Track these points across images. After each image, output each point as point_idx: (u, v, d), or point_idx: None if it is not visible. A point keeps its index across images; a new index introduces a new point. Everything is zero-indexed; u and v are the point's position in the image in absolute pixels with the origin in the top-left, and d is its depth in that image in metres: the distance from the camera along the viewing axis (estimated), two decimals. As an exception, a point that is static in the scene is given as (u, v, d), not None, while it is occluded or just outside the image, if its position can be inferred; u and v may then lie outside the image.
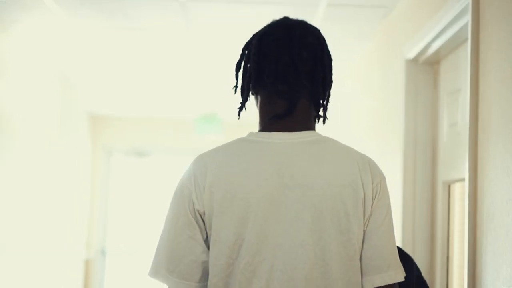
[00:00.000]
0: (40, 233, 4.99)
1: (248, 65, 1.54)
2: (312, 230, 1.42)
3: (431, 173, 2.96)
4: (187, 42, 4.15)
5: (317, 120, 1.55)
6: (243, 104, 1.56)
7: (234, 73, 1.56)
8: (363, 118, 4.12)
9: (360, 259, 1.46)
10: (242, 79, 1.56)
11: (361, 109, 4.19)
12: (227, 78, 4.97)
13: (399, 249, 1.60)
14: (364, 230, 1.46)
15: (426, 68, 2.98)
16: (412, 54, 2.94)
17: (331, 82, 1.55)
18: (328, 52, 1.55)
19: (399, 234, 2.82)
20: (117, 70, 5.09)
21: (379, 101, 3.67)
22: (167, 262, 1.46)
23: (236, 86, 1.58)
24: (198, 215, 1.44)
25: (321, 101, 1.53)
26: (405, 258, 1.70)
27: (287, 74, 1.48)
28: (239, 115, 1.57)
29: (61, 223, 5.70)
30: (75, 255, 6.46)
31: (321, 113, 1.56)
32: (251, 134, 1.52)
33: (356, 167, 1.47)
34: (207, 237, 1.46)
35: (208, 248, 1.45)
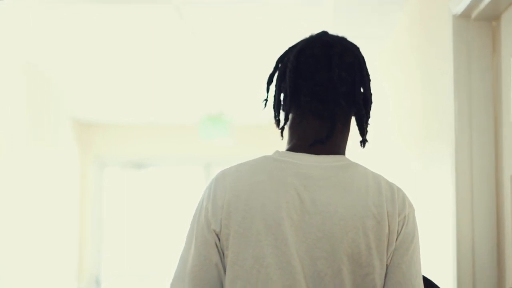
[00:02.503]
0: (22, 263, 4.89)
1: (283, 82, 1.60)
2: (331, 261, 1.46)
3: (494, 165, 2.50)
4: (186, 38, 4.22)
5: (362, 145, 1.62)
6: (284, 124, 1.61)
7: (266, 86, 1.64)
8: (399, 101, 3.74)
9: None
10: (276, 94, 1.61)
11: (397, 90, 3.80)
12: (232, 76, 5.11)
13: (425, 279, 1.63)
14: (387, 265, 1.50)
15: (482, 26, 2.56)
16: (461, 7, 2.52)
17: (371, 103, 1.61)
18: (367, 71, 1.61)
19: (453, 239, 2.48)
20: (108, 70, 5.10)
21: (419, 75, 3.27)
22: (183, 284, 1.50)
23: (266, 100, 1.65)
24: (215, 234, 1.49)
25: (365, 124, 1.60)
26: (431, 285, 1.70)
27: (325, 94, 1.54)
28: (282, 135, 1.64)
29: (46, 249, 5.60)
30: (65, 287, 6.41)
31: (364, 137, 1.62)
32: (277, 153, 1.57)
33: (382, 197, 1.51)
34: (223, 257, 1.50)
35: (225, 270, 1.49)
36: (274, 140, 1.71)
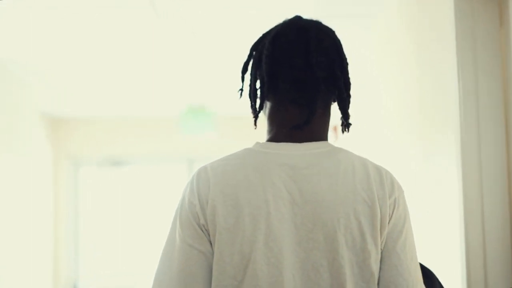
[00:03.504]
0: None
1: (259, 69, 1.60)
2: (325, 251, 1.48)
3: (505, 154, 2.30)
4: (163, 26, 4.16)
5: (346, 130, 1.63)
6: (258, 112, 1.61)
7: (240, 75, 1.63)
8: (393, 86, 3.56)
9: (378, 282, 1.52)
10: (251, 82, 1.62)
11: (391, 73, 3.60)
12: (214, 65, 5.05)
13: (421, 265, 1.65)
14: (381, 249, 1.52)
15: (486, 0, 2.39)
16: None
17: (350, 84, 1.62)
18: (345, 55, 1.61)
19: (462, 238, 2.32)
20: (80, 60, 5.00)
21: (416, 56, 3.07)
22: (168, 280, 1.50)
23: (241, 90, 1.64)
24: (204, 230, 1.50)
25: (347, 107, 1.60)
26: (426, 274, 1.73)
27: (304, 79, 1.55)
28: (255, 124, 1.64)
29: (19, 256, 5.50)
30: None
31: (347, 120, 1.62)
32: (258, 144, 1.58)
33: (371, 181, 1.53)
34: (212, 249, 1.51)
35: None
36: (261, 131, 1.66)
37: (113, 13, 3.90)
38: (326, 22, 1.65)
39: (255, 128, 1.66)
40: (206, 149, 6.68)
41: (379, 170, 1.56)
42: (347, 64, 1.62)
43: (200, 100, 5.99)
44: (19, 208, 5.55)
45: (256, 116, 1.62)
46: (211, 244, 1.50)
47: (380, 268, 1.52)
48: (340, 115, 1.62)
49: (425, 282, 1.61)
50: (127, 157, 7.12)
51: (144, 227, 6.99)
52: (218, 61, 4.96)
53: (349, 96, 1.61)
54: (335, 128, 5.42)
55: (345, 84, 1.60)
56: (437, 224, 2.67)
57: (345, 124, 1.63)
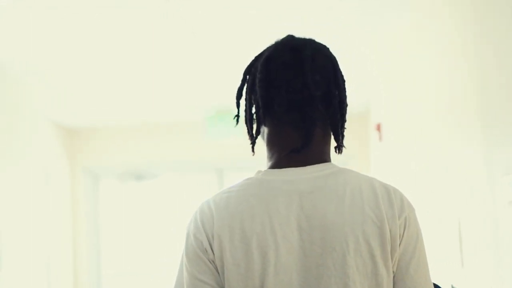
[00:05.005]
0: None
1: (254, 93, 1.63)
2: (336, 277, 1.51)
3: None
4: (181, 25, 4.22)
5: (337, 151, 1.65)
6: (255, 138, 1.64)
7: (235, 101, 1.67)
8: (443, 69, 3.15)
9: None
10: (247, 107, 1.65)
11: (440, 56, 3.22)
12: (239, 63, 4.73)
13: (435, 286, 1.70)
14: (393, 271, 1.54)
15: None
16: None
17: (347, 105, 1.65)
18: (341, 71, 1.65)
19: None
20: (92, 65, 5.02)
21: (470, 35, 2.65)
22: None
23: (238, 116, 1.68)
24: (213, 264, 1.55)
25: (340, 129, 1.63)
26: None
27: (300, 101, 1.58)
28: (253, 151, 1.67)
29: (36, 278, 5.52)
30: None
31: (339, 142, 1.65)
32: (259, 172, 1.62)
33: (379, 200, 1.55)
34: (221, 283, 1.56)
35: None
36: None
37: (124, 11, 3.91)
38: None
39: (253, 155, 1.67)
40: (235, 155, 6.46)
41: (387, 188, 1.58)
42: (343, 81, 1.64)
43: (226, 102, 5.86)
44: (31, 227, 5.49)
45: (253, 143, 1.64)
46: (217, 277, 1.55)
47: None
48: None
49: None
50: (149, 168, 7.03)
51: (171, 244, 6.85)
52: (244, 60, 4.77)
53: (343, 116, 1.63)
54: (378, 127, 5.10)
55: (340, 104, 1.62)
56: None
57: (337, 146, 1.64)
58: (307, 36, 1.67)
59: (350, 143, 6.78)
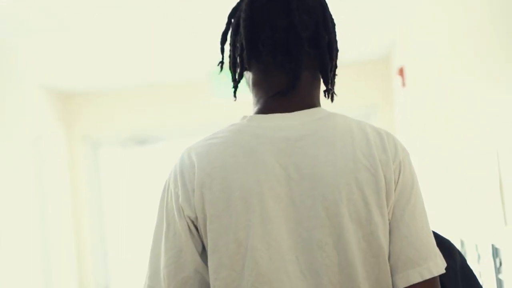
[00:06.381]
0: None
1: (238, 35, 1.65)
2: (329, 227, 1.53)
3: None
4: None
5: (327, 95, 1.69)
6: (237, 83, 1.67)
7: (219, 46, 1.69)
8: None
9: (389, 256, 1.56)
10: (231, 52, 1.68)
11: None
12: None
13: (436, 235, 1.67)
14: (389, 219, 1.56)
15: None
16: None
17: (337, 50, 1.68)
18: (331, 15, 1.66)
19: None
20: (87, 22, 4.85)
21: None
22: (158, 282, 1.59)
23: (222, 62, 1.69)
24: (190, 221, 1.56)
25: (329, 72, 1.65)
26: (444, 244, 1.73)
27: (286, 41, 1.60)
28: (235, 96, 1.70)
29: (37, 257, 5.54)
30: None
31: (328, 86, 1.68)
32: (245, 118, 1.63)
33: (372, 145, 1.57)
34: (203, 247, 1.57)
35: (207, 262, 1.56)
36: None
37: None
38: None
39: (235, 100, 1.69)
40: (245, 114, 6.30)
41: (379, 132, 1.59)
42: (333, 24, 1.66)
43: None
44: (31, 200, 5.46)
45: (235, 87, 1.66)
46: (196, 240, 1.56)
47: (390, 241, 1.55)
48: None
49: (443, 253, 1.61)
50: (154, 132, 6.91)
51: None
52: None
53: (332, 59, 1.64)
54: (401, 71, 4.90)
55: (329, 45, 1.63)
56: None
57: (328, 91, 1.66)
58: None
59: (371, 91, 6.67)
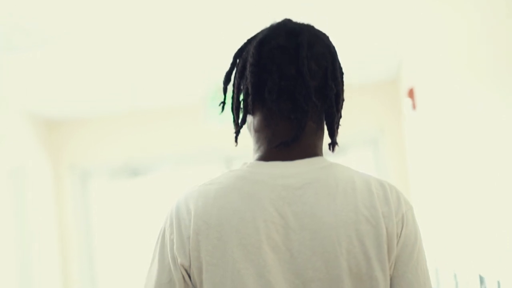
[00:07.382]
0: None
1: (243, 79, 1.68)
2: (327, 281, 1.53)
3: None
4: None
5: (331, 149, 1.72)
6: (239, 128, 1.69)
7: (222, 86, 1.73)
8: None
9: None
10: (234, 94, 1.70)
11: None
12: (237, 33, 4.96)
13: None
14: (390, 274, 1.57)
15: None
16: None
17: (343, 100, 1.71)
18: (339, 63, 1.69)
19: None
20: (73, 47, 4.89)
21: None
22: None
23: (223, 103, 1.73)
24: (184, 270, 1.58)
25: (335, 125, 1.68)
26: None
27: (293, 89, 1.62)
28: (236, 141, 1.69)
29: None
30: None
31: (334, 138, 1.72)
32: (245, 165, 1.66)
33: (374, 197, 1.59)
34: None
35: None
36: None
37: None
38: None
39: (236, 146, 1.66)
40: (244, 143, 6.33)
41: (382, 184, 1.61)
42: (341, 74, 1.69)
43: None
44: (15, 235, 5.45)
45: (237, 132, 1.69)
46: (194, 286, 1.56)
47: None
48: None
49: None
50: (145, 162, 6.86)
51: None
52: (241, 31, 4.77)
53: (338, 111, 1.67)
54: (411, 92, 4.84)
55: (336, 97, 1.66)
56: None
57: (331, 143, 1.70)
58: (306, 22, 1.71)
59: (379, 115, 6.55)
